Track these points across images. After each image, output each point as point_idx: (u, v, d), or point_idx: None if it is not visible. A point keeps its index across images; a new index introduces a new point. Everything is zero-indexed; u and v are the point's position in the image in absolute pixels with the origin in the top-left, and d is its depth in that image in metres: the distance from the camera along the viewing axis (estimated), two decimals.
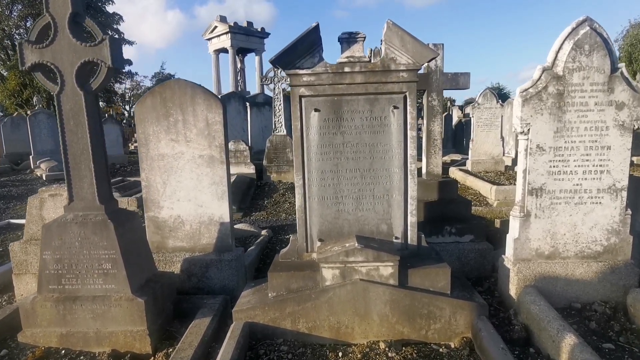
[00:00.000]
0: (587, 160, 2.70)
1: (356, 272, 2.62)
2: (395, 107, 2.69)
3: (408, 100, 2.69)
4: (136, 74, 31.08)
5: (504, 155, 10.49)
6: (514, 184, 8.66)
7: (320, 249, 2.80)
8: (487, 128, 10.07)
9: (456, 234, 3.43)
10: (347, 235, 2.85)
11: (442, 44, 3.34)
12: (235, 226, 5.74)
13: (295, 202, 2.84)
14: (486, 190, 7.68)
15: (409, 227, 2.84)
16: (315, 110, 2.71)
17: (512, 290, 2.82)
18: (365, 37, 2.67)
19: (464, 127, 16.40)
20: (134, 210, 6.42)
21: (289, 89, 3.03)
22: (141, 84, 38.44)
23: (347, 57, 2.67)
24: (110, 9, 26.56)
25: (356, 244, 2.62)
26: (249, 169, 9.09)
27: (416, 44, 2.56)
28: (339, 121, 2.72)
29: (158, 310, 2.75)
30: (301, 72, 2.66)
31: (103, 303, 2.61)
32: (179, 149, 3.30)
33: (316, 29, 2.55)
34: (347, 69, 2.65)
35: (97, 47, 2.49)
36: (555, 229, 2.79)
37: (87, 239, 2.61)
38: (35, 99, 18.95)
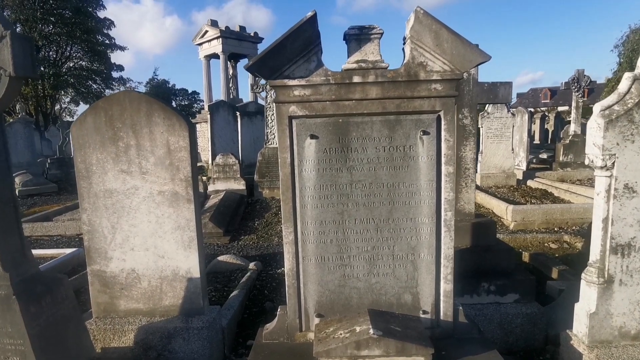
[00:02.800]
0: None
1: None
2: (424, 133, 1.90)
3: (443, 122, 1.91)
4: (128, 79, 30.21)
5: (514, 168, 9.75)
6: (531, 203, 7.95)
7: (319, 330, 1.99)
8: (498, 139, 9.33)
9: (496, 292, 2.64)
10: (357, 309, 2.05)
11: (477, 45, 2.56)
12: (219, 258, 4.95)
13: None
14: (501, 210, 6.91)
15: (441, 298, 2.04)
16: (312, 137, 1.91)
17: None
18: (382, 34, 1.88)
19: None
20: None
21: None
22: (136, 90, 37.60)
23: (356, 62, 1.88)
24: (101, 14, 25.88)
25: (371, 330, 1.81)
26: (239, 185, 8.28)
27: (457, 43, 1.78)
28: (345, 152, 1.93)
29: None
30: (292, 82, 1.87)
31: None
32: (132, 183, 2.49)
33: (313, 20, 1.76)
34: (356, 79, 1.86)
35: None
36: None
37: None
38: (18, 106, 18.08)
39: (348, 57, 1.91)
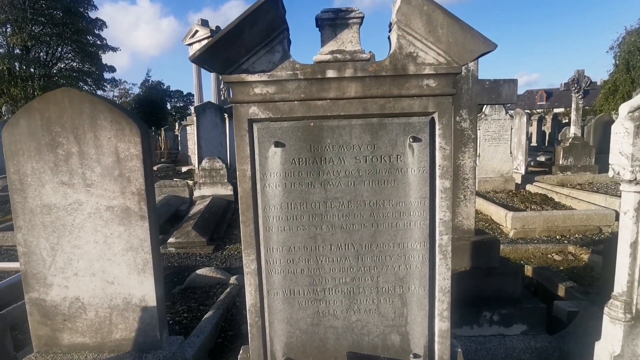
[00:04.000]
0: None
1: None
2: (415, 139, 1.56)
3: (437, 126, 1.56)
4: (121, 81, 29.80)
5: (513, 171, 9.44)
6: (531, 209, 7.62)
7: None
8: (496, 142, 9.03)
9: (500, 323, 2.29)
10: (334, 353, 1.69)
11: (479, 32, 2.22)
12: (198, 271, 4.59)
13: None
14: (500, 216, 6.60)
15: (436, 338, 1.69)
16: (277, 144, 1.56)
17: None
18: (362, 18, 1.54)
19: None
20: None
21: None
22: (130, 91, 37.19)
23: (331, 53, 1.53)
24: (93, 14, 25.50)
25: None
26: (226, 190, 7.92)
27: (454, 29, 1.43)
28: (317, 163, 1.57)
29: None
30: (251, 78, 1.52)
31: None
32: (75, 197, 2.13)
33: None
34: (331, 73, 1.51)
35: None
36: None
37: None
38: (4, 108, 17.63)
39: (321, 46, 1.56)
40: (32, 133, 2.07)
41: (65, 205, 2.13)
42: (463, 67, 2.42)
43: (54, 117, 2.06)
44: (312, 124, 1.56)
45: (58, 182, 2.11)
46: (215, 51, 1.46)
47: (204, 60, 1.48)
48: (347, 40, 1.53)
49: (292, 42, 1.58)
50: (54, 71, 25.12)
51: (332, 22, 1.53)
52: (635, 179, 1.58)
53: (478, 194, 8.25)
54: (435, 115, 1.56)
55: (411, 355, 1.70)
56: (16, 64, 22.74)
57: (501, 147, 9.08)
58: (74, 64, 26.03)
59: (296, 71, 1.51)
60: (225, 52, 1.48)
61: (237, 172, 1.59)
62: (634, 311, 1.68)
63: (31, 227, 2.15)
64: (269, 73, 1.51)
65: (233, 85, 1.54)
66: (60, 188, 2.12)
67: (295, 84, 1.52)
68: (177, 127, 24.10)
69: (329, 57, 1.53)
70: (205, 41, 16.10)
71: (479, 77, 2.39)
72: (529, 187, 9.06)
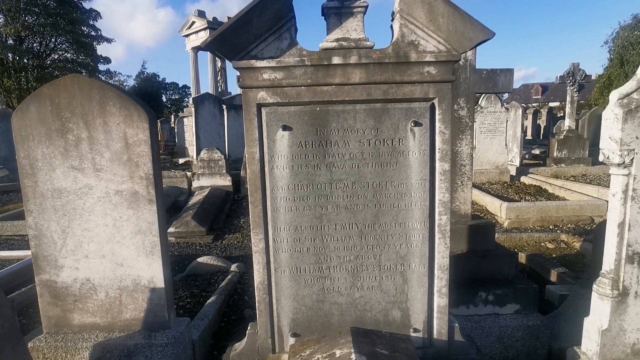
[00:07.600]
0: None
1: None
2: (416, 124, 1.63)
3: (437, 111, 1.64)
4: (115, 72, 29.56)
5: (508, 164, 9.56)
6: (525, 200, 7.76)
7: (294, 353, 1.72)
8: (491, 134, 9.12)
9: (495, 302, 2.39)
10: (338, 328, 1.78)
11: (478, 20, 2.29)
12: (199, 259, 4.66)
13: None
14: (495, 207, 6.71)
15: (435, 314, 1.78)
16: (285, 128, 1.63)
17: None
18: (366, 7, 1.60)
19: None
20: None
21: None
22: (125, 83, 36.89)
23: (337, 40, 1.60)
24: (87, 5, 25.21)
25: (353, 356, 1.54)
26: (225, 181, 7.98)
27: (455, 18, 1.50)
28: (323, 146, 1.65)
29: None
30: (260, 64, 1.58)
31: None
32: (85, 182, 2.19)
33: None
34: (337, 60, 1.58)
35: None
36: None
37: None
38: None
39: (327, 34, 1.62)
40: (42, 119, 2.12)
41: (76, 189, 2.19)
42: (462, 56, 2.50)
43: (64, 103, 2.11)
44: (318, 108, 1.63)
45: (68, 166, 2.17)
46: (225, 38, 1.52)
47: (214, 46, 1.53)
48: (352, 29, 1.60)
49: (298, 30, 1.64)
50: (48, 62, 24.85)
51: (337, 11, 1.60)
52: (624, 162, 1.67)
53: (474, 186, 8.36)
54: (436, 101, 1.63)
55: (411, 330, 1.79)
56: (9, 54, 22.48)
57: (496, 139, 9.18)
58: (68, 54, 25.74)
59: (303, 57, 1.58)
60: (235, 39, 1.54)
61: (246, 155, 1.66)
62: (620, 288, 1.78)
63: (42, 211, 2.21)
64: (277, 59, 1.58)
65: (242, 70, 1.60)
66: (70, 172, 2.18)
67: (302, 70, 1.59)
68: (173, 120, 24.01)
69: (334, 44, 1.59)
70: (203, 32, 16.07)
71: (477, 67, 2.47)
72: (523, 179, 9.18)
